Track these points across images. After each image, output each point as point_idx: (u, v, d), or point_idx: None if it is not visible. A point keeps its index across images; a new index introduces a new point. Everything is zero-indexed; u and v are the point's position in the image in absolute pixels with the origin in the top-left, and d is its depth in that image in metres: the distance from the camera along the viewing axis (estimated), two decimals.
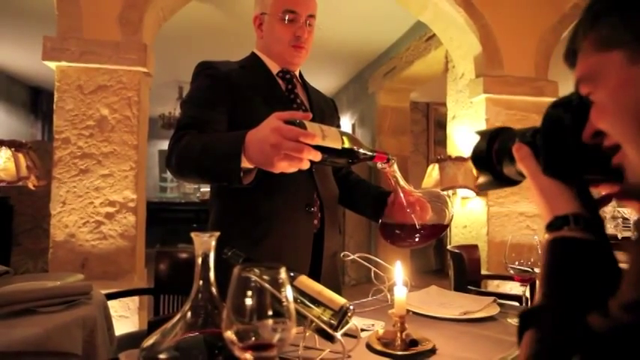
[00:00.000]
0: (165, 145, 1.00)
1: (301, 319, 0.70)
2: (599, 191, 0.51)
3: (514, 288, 2.53)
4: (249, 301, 0.44)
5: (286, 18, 1.08)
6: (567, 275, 0.46)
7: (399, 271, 0.87)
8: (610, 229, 2.74)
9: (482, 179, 0.63)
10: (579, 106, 0.46)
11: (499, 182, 0.62)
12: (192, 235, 0.54)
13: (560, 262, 0.47)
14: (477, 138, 0.64)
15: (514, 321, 0.96)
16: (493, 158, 0.60)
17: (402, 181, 0.93)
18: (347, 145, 0.79)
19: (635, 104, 0.41)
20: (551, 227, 0.49)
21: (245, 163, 0.81)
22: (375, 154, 0.85)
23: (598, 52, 0.44)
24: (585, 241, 0.46)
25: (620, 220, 2.64)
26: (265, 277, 0.45)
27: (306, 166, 0.75)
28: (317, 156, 0.74)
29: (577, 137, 0.48)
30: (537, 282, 0.49)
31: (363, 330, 0.87)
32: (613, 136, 0.44)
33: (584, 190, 0.51)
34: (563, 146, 0.50)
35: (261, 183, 0.88)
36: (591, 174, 0.51)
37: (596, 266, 0.45)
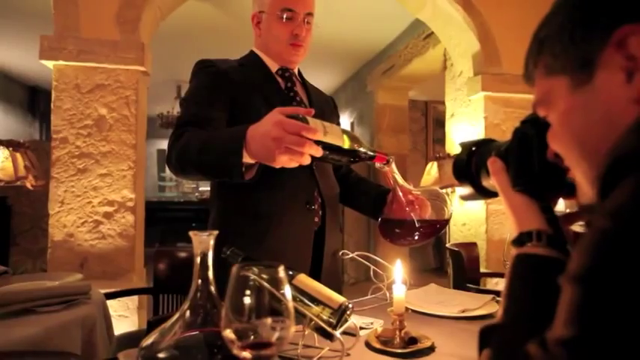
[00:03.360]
0: (163, 144, 1.00)
1: (300, 317, 0.70)
2: (576, 203, 0.52)
3: None
4: (247, 300, 0.44)
5: (284, 16, 1.08)
6: (523, 293, 0.46)
7: (398, 270, 0.87)
8: None
9: (463, 190, 0.64)
10: (546, 124, 0.47)
11: (479, 194, 0.62)
12: (191, 234, 0.54)
13: (519, 279, 0.47)
14: (460, 149, 0.65)
15: None
16: (472, 170, 0.61)
17: (400, 180, 0.93)
18: (348, 142, 0.79)
19: (578, 131, 0.42)
20: (515, 243, 0.50)
21: (246, 158, 0.81)
22: (375, 154, 0.85)
23: (548, 78, 0.45)
24: (545, 258, 0.46)
25: None
26: (264, 275, 0.45)
27: (307, 161, 0.75)
28: (318, 151, 0.74)
29: (542, 154, 0.49)
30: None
31: (362, 328, 0.87)
32: (564, 158, 0.45)
33: (546, 206, 0.52)
34: (529, 163, 0.51)
35: (262, 181, 0.88)
36: (558, 190, 0.52)
37: (554, 285, 0.46)
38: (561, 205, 0.57)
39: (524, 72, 0.50)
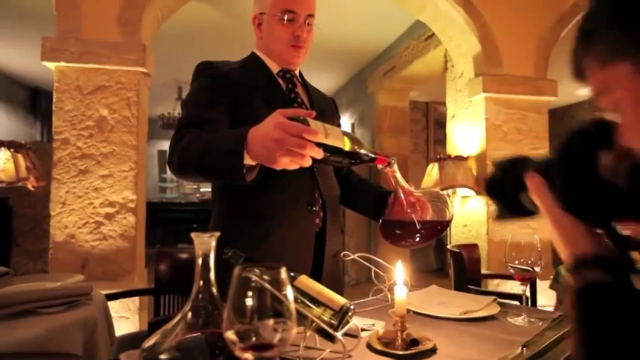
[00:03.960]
0: (165, 145, 1.00)
1: (302, 319, 0.70)
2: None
3: (514, 287, 2.53)
4: (249, 302, 0.44)
5: (285, 18, 1.08)
6: (599, 327, 0.42)
7: (399, 271, 0.87)
8: None
9: (497, 210, 0.61)
10: (597, 136, 0.44)
11: (515, 213, 0.59)
12: (192, 235, 0.54)
13: (586, 312, 0.44)
14: (493, 168, 0.62)
15: (514, 320, 0.96)
16: (508, 188, 0.58)
17: (402, 181, 0.93)
18: (349, 145, 0.79)
19: None
20: (572, 268, 0.46)
21: (247, 160, 0.81)
22: (376, 156, 0.85)
23: (604, 68, 0.42)
24: (609, 285, 0.43)
25: None
26: (265, 277, 0.45)
27: (307, 163, 0.75)
28: (319, 153, 0.74)
29: (595, 171, 0.44)
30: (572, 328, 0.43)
31: (363, 330, 0.86)
32: None
33: (609, 227, 0.47)
34: (579, 179, 0.47)
35: (263, 182, 0.88)
36: (612, 211, 0.47)
37: (623, 314, 0.41)
38: None
39: (571, 70, 0.46)
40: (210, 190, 1.24)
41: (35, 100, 6.59)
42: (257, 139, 0.77)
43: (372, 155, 0.84)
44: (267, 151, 0.75)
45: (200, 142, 0.90)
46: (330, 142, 0.76)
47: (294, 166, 0.76)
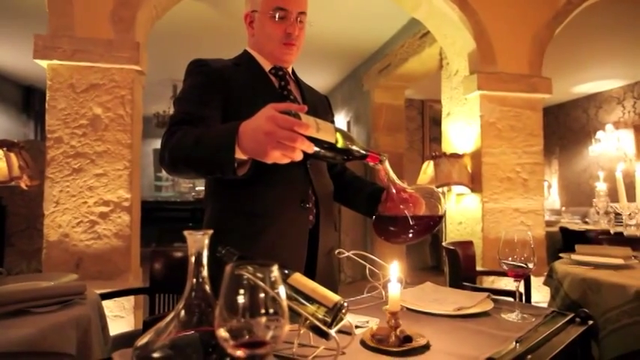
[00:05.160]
0: (159, 144, 0.99)
1: (295, 316, 0.70)
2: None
3: (509, 284, 2.55)
4: (241, 299, 0.44)
5: (277, 15, 1.08)
6: None
7: (393, 268, 0.87)
8: (603, 224, 2.76)
9: None
10: None
11: None
12: (185, 233, 0.54)
13: None
14: None
15: (507, 316, 0.97)
16: None
17: (394, 178, 0.93)
18: (340, 140, 0.79)
19: None
20: None
21: (239, 154, 0.80)
22: (368, 153, 0.85)
23: None
24: None
25: (612, 216, 2.66)
26: (258, 274, 0.45)
27: (299, 157, 0.75)
28: (310, 147, 0.74)
29: None
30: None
31: (357, 327, 0.87)
32: None
33: None
34: None
35: (257, 179, 0.88)
36: None
37: None
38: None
39: None
40: None
41: (28, 99, 6.54)
42: (248, 133, 0.77)
43: (364, 152, 0.84)
44: (258, 145, 0.75)
45: (191, 137, 0.89)
46: (322, 136, 0.76)
47: (285, 160, 0.75)
